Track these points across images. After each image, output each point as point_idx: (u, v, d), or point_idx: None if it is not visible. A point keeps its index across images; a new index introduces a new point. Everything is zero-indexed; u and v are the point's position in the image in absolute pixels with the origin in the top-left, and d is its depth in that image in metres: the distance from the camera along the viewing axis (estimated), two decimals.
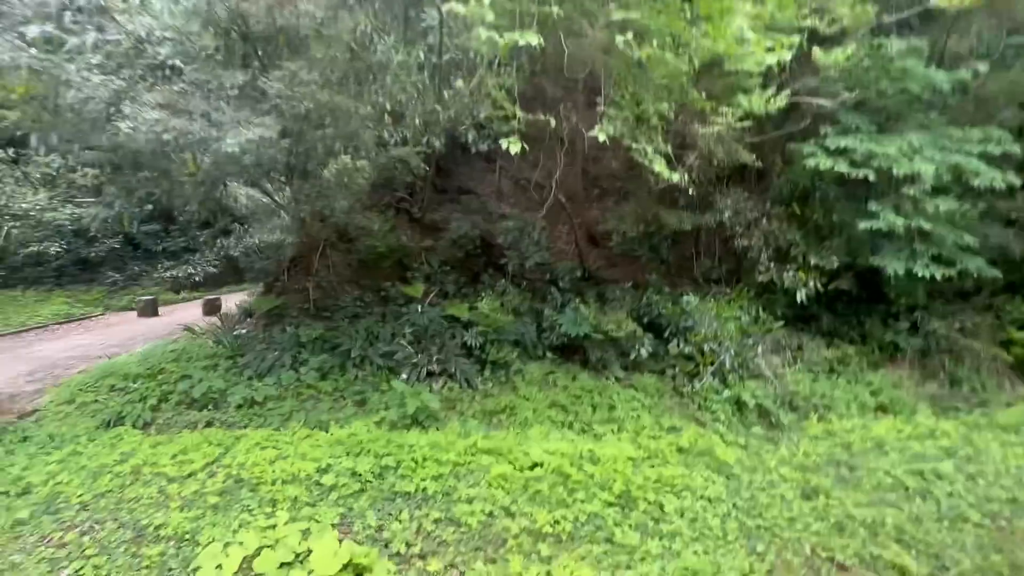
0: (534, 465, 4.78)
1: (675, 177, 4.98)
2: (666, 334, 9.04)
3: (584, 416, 7.14)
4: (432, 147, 9.48)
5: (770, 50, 4.93)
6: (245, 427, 6.45)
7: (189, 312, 13.94)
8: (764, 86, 7.50)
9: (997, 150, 7.38)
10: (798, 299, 8.39)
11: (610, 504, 4.24)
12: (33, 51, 5.65)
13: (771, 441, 6.46)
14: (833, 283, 8.83)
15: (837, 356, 9.06)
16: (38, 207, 14.01)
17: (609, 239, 11.32)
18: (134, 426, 6.22)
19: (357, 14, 6.85)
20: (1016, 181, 7.30)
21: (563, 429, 6.62)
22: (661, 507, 4.25)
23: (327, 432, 5.90)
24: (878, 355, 9.29)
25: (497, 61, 6.71)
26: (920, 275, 7.47)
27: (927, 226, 7.20)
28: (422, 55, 8.02)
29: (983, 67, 7.43)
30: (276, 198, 8.87)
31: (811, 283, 8.36)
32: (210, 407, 6.89)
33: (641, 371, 8.90)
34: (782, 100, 6.32)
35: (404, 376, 8.05)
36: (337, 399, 7.45)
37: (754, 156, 7.80)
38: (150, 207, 17.72)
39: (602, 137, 4.94)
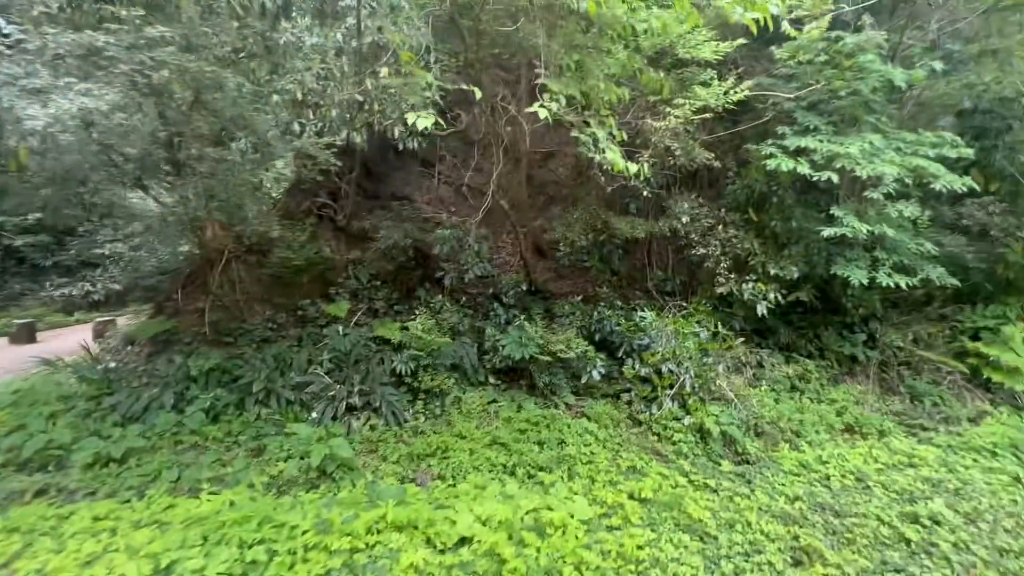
0: (461, 542, 3.66)
1: (631, 169, 4.08)
2: (620, 353, 8.17)
3: (529, 456, 6.08)
4: (353, 144, 8.25)
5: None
6: (92, 495, 4.93)
7: (77, 337, 11.82)
8: (720, 77, 6.87)
9: (953, 153, 7.05)
10: (758, 312, 7.75)
11: None
12: None
13: (744, 480, 5.63)
14: (792, 294, 8.29)
15: (798, 372, 8.50)
16: None
17: (557, 249, 10.44)
18: None
19: None
20: (975, 185, 6.97)
21: (504, 476, 5.53)
22: None
23: (197, 499, 4.52)
24: (837, 369, 8.82)
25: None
26: (884, 284, 6.98)
27: (890, 232, 6.72)
28: (340, 38, 6.87)
29: (939, 65, 7.11)
30: (160, 199, 7.34)
31: (771, 295, 7.75)
32: (48, 469, 5.30)
33: (594, 396, 7.99)
34: (742, 92, 5.62)
35: (316, 414, 6.72)
36: (227, 448, 6.03)
37: (712, 156, 7.12)
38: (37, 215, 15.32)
39: (543, 114, 3.99)
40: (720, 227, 8.35)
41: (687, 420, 7.00)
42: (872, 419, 7.44)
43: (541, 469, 5.73)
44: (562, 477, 5.46)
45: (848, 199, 7.21)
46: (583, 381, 7.95)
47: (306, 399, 7.11)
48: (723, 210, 8.66)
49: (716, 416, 6.97)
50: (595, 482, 5.33)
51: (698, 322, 7.95)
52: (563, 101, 4.12)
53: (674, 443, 6.75)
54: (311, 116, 7.30)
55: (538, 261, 11.62)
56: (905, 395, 8.34)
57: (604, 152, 4.49)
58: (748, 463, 6.51)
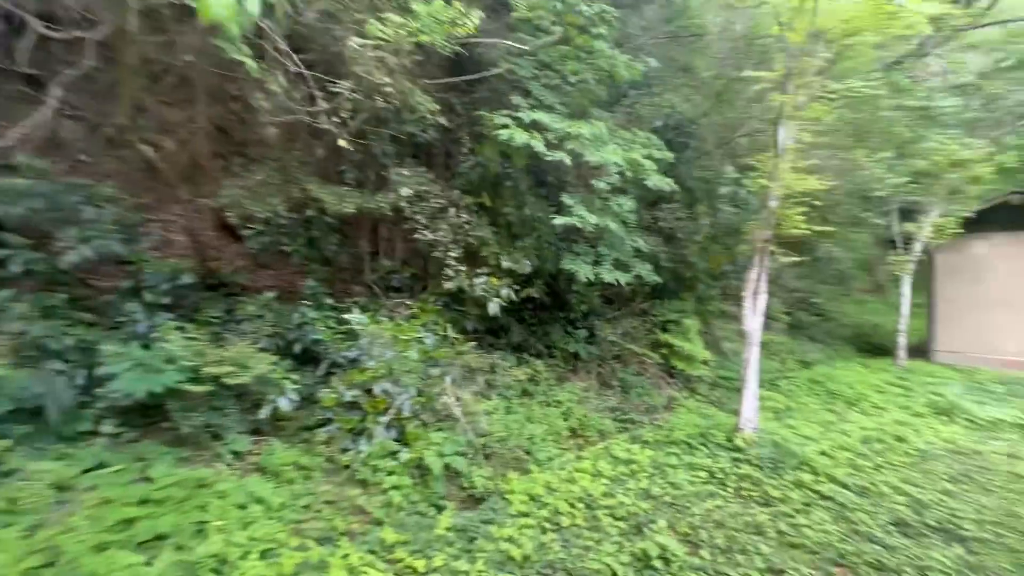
0: None
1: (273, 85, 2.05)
2: (321, 371, 6.07)
3: (129, 571, 3.43)
4: None
5: None
6: None
7: None
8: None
9: (658, 155, 7.29)
10: (490, 311, 6.71)
11: None
12: None
13: (465, 539, 4.24)
14: (525, 290, 7.60)
15: (528, 375, 7.92)
16: None
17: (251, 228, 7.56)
18: None
19: None
20: (676, 187, 7.34)
21: None
22: None
23: None
24: (563, 367, 8.65)
25: None
26: (604, 281, 6.74)
27: (613, 226, 6.45)
28: None
29: (654, 63, 7.24)
30: None
31: (504, 291, 6.81)
32: None
33: (284, 435, 5.67)
34: (472, 19, 4.20)
35: None
36: None
37: (438, 110, 5.62)
38: None
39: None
40: (452, 210, 7.05)
41: (404, 455, 5.37)
42: (593, 419, 7.24)
43: None
44: None
45: (578, 188, 6.75)
46: (265, 416, 5.55)
47: None
48: (457, 191, 7.41)
49: (439, 445, 5.53)
50: None
51: (424, 325, 6.44)
52: None
53: (385, 491, 5.02)
54: None
55: (229, 244, 8.45)
56: (618, 388, 8.66)
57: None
58: (476, 499, 5.27)
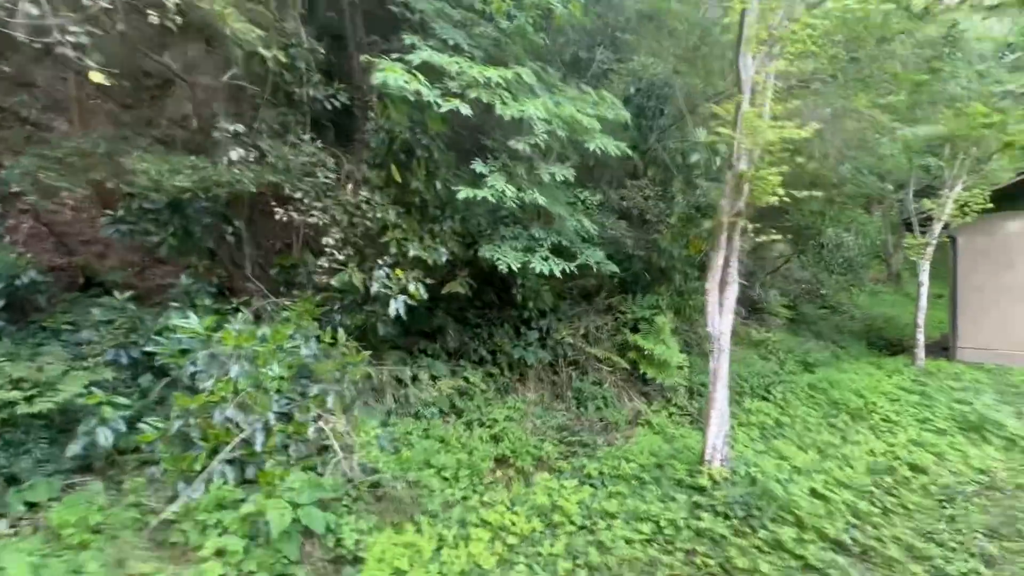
0: None
1: None
2: (154, 394, 4.75)
3: None
4: None
5: None
6: None
7: None
8: None
9: (611, 114, 5.84)
10: (391, 311, 5.33)
11: None
12: None
13: None
14: (450, 284, 6.20)
15: (459, 387, 6.54)
16: None
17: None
18: None
19: None
20: (629, 152, 5.87)
21: None
22: None
23: None
24: (508, 377, 7.25)
25: None
26: (539, 271, 5.33)
27: (542, 201, 5.02)
28: None
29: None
30: None
31: (412, 286, 5.42)
32: None
33: (93, 478, 4.36)
34: None
35: None
36: None
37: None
38: None
39: None
40: (349, 186, 5.66)
41: (244, 508, 4.01)
42: (529, 444, 5.82)
43: None
44: None
45: (497, 153, 5.32)
46: (76, 451, 4.27)
47: None
48: (362, 164, 6.02)
49: (296, 490, 4.17)
50: None
51: (300, 329, 5.06)
52: None
53: (205, 559, 3.67)
54: None
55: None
56: (572, 400, 7.24)
57: None
58: (347, 562, 3.92)
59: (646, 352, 7.52)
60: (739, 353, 10.32)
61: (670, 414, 7.28)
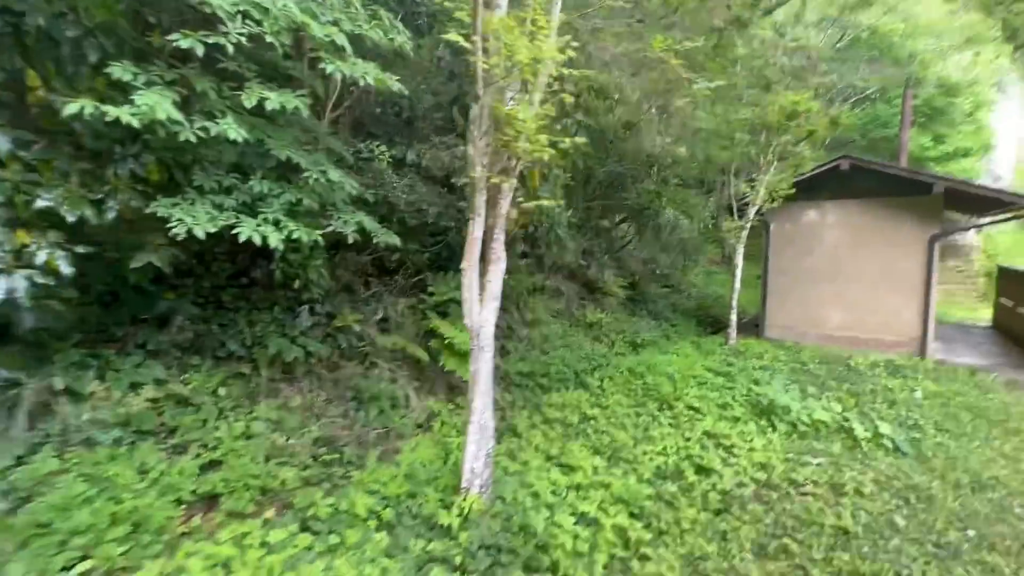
0: None
1: None
2: None
3: None
4: None
5: None
6: None
7: None
8: None
9: (378, 35, 4.39)
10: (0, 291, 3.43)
11: None
12: None
13: None
14: (139, 257, 4.36)
15: (179, 395, 4.80)
16: None
17: None
18: None
19: None
20: (405, 91, 4.49)
21: None
22: None
23: None
24: (268, 377, 5.63)
25: None
26: (247, 238, 3.79)
27: (233, 133, 3.45)
28: None
29: None
30: None
31: (44, 254, 3.55)
32: None
33: None
34: None
35: None
36: None
37: None
38: None
39: None
40: None
41: None
42: (257, 472, 4.35)
43: None
44: None
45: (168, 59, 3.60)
46: None
47: None
48: None
49: None
50: None
51: None
52: None
53: None
54: None
55: None
56: (352, 403, 5.89)
57: None
58: None
59: (447, 340, 6.41)
60: (571, 337, 9.84)
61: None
